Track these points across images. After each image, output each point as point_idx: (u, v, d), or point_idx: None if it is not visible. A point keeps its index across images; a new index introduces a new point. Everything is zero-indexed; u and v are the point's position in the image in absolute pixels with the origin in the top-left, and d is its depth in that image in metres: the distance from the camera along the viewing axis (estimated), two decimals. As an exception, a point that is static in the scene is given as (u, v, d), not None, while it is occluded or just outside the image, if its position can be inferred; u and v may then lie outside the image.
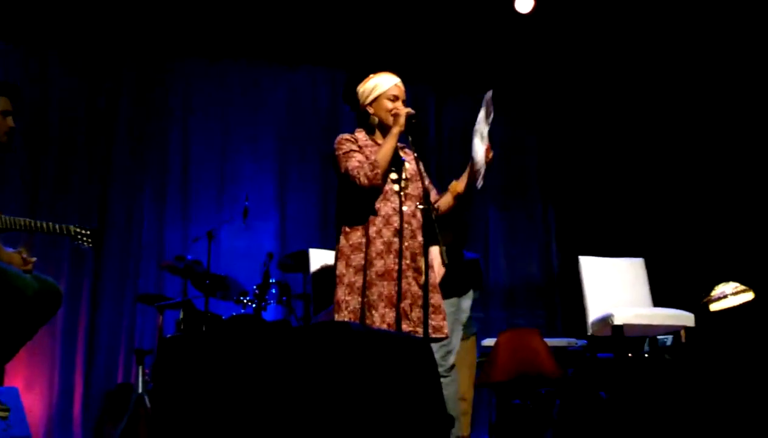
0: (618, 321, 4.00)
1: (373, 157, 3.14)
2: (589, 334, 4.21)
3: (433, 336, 3.11)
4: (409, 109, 3.20)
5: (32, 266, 3.27)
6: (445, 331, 3.18)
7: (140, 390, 4.42)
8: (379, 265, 3.11)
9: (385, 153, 3.14)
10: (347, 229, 3.18)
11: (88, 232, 3.51)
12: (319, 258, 4.32)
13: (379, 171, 3.11)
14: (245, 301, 4.72)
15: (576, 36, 5.53)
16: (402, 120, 3.16)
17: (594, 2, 5.34)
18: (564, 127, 5.59)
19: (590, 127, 5.58)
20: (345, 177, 3.16)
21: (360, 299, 3.08)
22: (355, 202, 3.20)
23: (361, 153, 3.19)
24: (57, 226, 3.41)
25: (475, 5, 5.38)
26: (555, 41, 5.58)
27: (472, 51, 5.61)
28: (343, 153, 3.20)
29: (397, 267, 3.11)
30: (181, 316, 4.71)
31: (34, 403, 4.63)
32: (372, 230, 3.14)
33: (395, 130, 3.14)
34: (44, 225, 3.37)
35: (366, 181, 3.12)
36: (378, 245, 3.13)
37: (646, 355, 4.47)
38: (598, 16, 5.39)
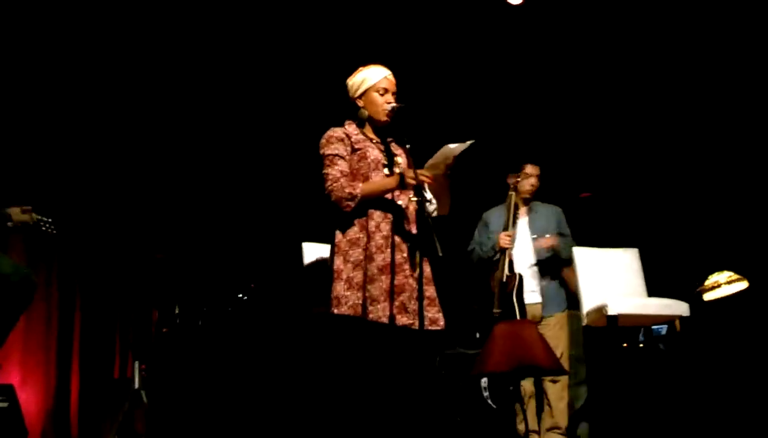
0: (612, 311, 4.00)
1: (357, 188, 3.11)
2: (583, 324, 4.22)
3: (429, 328, 3.11)
4: (394, 104, 3.20)
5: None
6: (441, 323, 3.18)
7: (137, 385, 4.43)
8: (379, 259, 3.10)
9: (369, 194, 3.12)
10: (343, 224, 3.17)
11: (50, 219, 3.54)
12: (313, 252, 4.31)
13: (352, 205, 3.11)
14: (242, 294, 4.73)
15: (568, 30, 5.52)
16: (385, 115, 3.17)
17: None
18: (553, 117, 5.59)
19: (581, 116, 5.58)
20: (322, 178, 3.17)
21: (359, 294, 3.08)
22: None
23: (347, 158, 3.18)
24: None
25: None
26: (550, 34, 5.57)
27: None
28: (328, 154, 3.18)
29: (396, 261, 3.11)
30: (177, 310, 4.72)
31: (30, 399, 4.61)
32: (371, 225, 3.14)
33: (391, 184, 3.12)
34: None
35: (335, 201, 3.12)
36: (378, 239, 3.12)
37: (641, 345, 4.49)
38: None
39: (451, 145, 3.15)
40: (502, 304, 4.20)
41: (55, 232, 3.58)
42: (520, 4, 5.33)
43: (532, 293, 4.37)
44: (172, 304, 4.81)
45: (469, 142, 3.14)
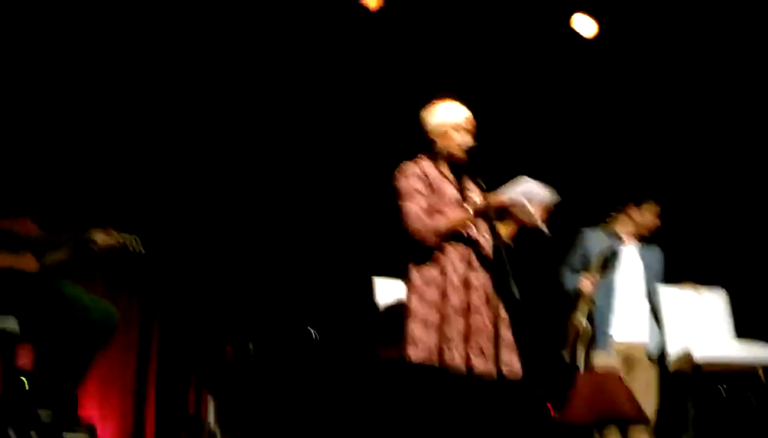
0: (698, 357, 3.80)
1: (440, 222, 3.08)
2: (669, 370, 4.03)
3: (506, 375, 3.03)
4: (471, 142, 3.15)
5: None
6: (518, 370, 3.08)
7: (211, 421, 4.45)
8: (455, 299, 3.05)
9: (450, 228, 3.09)
10: (419, 263, 3.12)
11: (135, 237, 3.37)
12: (384, 287, 4.27)
13: (436, 240, 3.07)
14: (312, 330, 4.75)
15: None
16: (461, 153, 3.14)
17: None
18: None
19: (659, 145, 5.42)
20: (401, 215, 3.12)
21: (434, 335, 3.02)
22: None
23: (426, 194, 3.13)
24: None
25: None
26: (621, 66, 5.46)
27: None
28: (407, 189, 3.14)
29: (473, 302, 3.05)
30: (251, 346, 4.75)
31: (107, 433, 4.69)
32: (447, 263, 3.09)
33: (467, 219, 3.09)
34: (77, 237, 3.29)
35: (417, 236, 3.07)
36: (454, 280, 3.07)
37: (727, 395, 4.26)
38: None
39: (535, 187, 3.08)
40: (572, 351, 4.04)
41: (143, 251, 3.37)
42: (594, 36, 5.27)
43: (637, 330, 4.15)
44: (246, 340, 4.85)
45: (552, 195, 3.08)
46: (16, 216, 3.25)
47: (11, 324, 3.18)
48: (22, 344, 3.36)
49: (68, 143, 4.72)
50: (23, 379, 3.39)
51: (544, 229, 3.09)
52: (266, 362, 4.71)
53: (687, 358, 3.87)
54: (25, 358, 3.44)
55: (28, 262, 3.18)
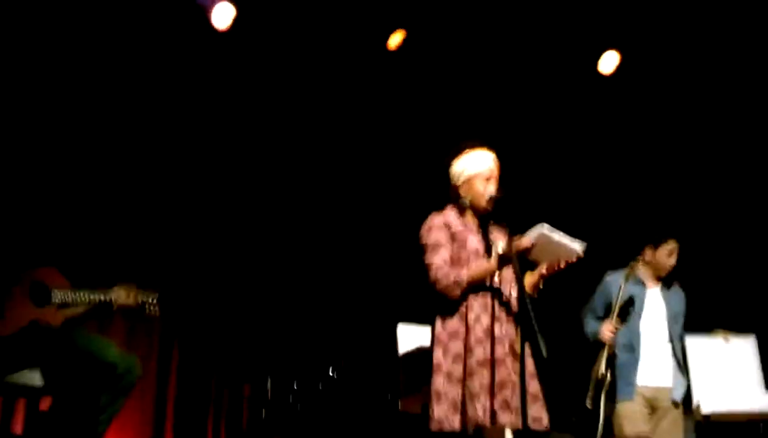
0: (706, 410, 3.78)
1: (462, 274, 3.05)
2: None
3: (533, 427, 2.97)
4: (494, 194, 3.13)
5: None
6: (545, 422, 3.04)
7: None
8: (479, 352, 3.01)
9: (474, 279, 3.06)
10: (443, 315, 3.10)
11: (155, 296, 3.49)
12: (408, 334, 4.22)
13: (459, 292, 3.05)
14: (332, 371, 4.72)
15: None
16: (486, 203, 3.12)
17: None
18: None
19: (689, 189, 5.36)
20: (425, 267, 3.11)
21: (458, 389, 2.99)
22: None
23: (449, 246, 3.12)
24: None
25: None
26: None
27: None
28: (431, 244, 3.13)
29: (497, 354, 3.01)
30: (269, 384, 4.74)
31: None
32: (471, 317, 3.06)
33: (492, 267, 3.06)
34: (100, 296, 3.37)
35: (441, 289, 3.06)
36: (477, 332, 3.04)
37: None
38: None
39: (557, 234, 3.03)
40: (594, 400, 3.98)
41: (158, 314, 3.52)
42: (611, 74, 5.26)
43: (662, 375, 4.05)
44: (265, 377, 4.84)
45: (578, 244, 3.02)
46: (44, 264, 3.31)
47: (35, 379, 3.26)
48: (45, 395, 3.40)
49: (92, 189, 4.76)
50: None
51: (577, 250, 3.02)
52: (284, 401, 4.69)
53: (696, 409, 3.85)
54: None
55: (52, 316, 3.22)
